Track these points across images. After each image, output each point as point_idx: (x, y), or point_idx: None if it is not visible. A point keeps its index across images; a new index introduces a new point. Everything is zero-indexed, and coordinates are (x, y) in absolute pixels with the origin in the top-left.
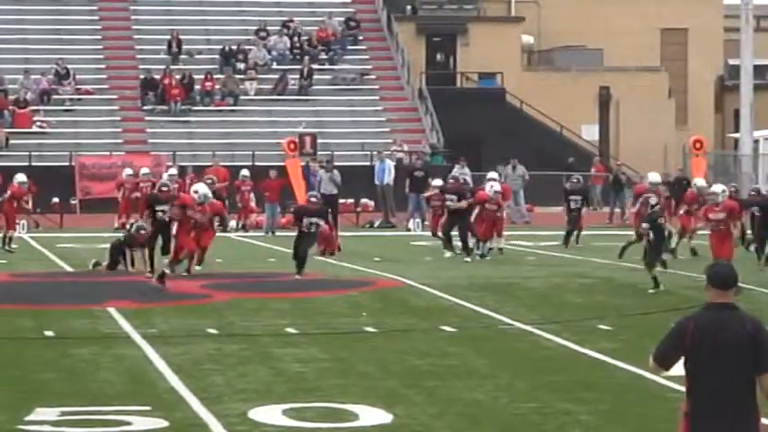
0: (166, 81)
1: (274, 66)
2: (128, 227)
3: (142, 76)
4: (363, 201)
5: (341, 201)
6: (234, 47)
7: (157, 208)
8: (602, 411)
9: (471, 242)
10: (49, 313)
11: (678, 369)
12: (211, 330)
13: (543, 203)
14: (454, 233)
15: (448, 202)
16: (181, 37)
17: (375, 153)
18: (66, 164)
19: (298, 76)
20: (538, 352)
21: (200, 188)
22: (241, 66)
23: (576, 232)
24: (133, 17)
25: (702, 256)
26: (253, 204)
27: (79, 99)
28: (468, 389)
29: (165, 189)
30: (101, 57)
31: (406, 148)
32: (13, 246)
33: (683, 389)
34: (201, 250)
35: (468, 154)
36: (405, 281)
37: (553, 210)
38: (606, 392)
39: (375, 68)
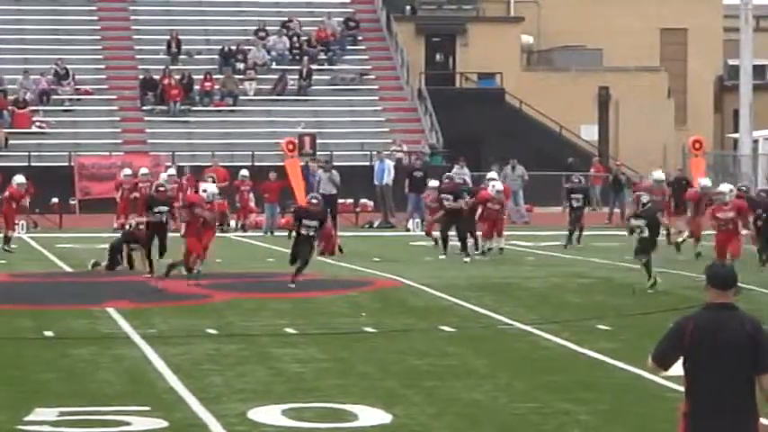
0: (166, 81)
1: (273, 66)
2: (127, 227)
3: (141, 77)
4: (363, 201)
5: (340, 201)
6: (233, 47)
7: (155, 209)
8: (602, 411)
9: (470, 242)
10: (48, 313)
11: (677, 369)
12: (210, 330)
13: (542, 203)
14: (451, 233)
15: (444, 202)
16: (180, 37)
17: (375, 153)
18: (66, 164)
19: (297, 77)
20: (537, 352)
21: (209, 186)
22: (240, 66)
23: (577, 232)
24: (132, 17)
25: (706, 256)
26: (252, 204)
27: (78, 99)
28: (467, 389)
29: (162, 189)
30: (100, 57)
31: (405, 148)
32: (13, 246)
33: (682, 389)
34: (203, 249)
35: (467, 154)
36: (404, 281)
37: (552, 210)
38: (605, 392)
39: (374, 69)
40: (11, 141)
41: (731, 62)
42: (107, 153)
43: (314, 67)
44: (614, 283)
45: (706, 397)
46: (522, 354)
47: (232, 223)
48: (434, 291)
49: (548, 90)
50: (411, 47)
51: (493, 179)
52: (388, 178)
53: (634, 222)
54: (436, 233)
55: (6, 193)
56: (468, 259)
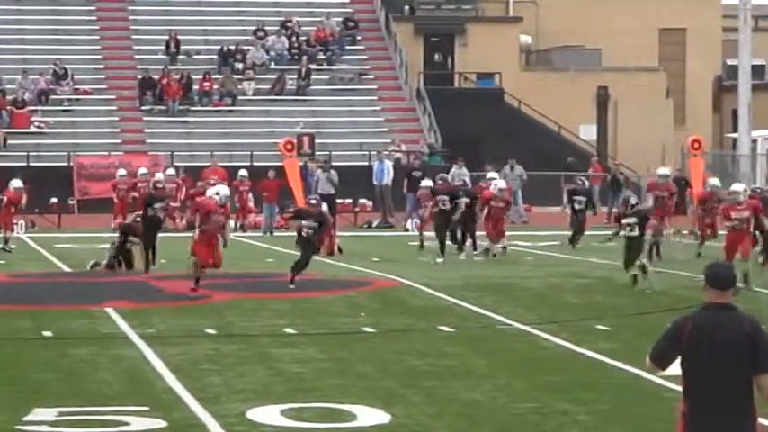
0: (164, 81)
1: (272, 66)
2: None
3: (140, 77)
4: (361, 201)
5: (339, 201)
6: (232, 47)
7: (156, 206)
8: (600, 411)
9: (468, 242)
10: (47, 313)
11: (675, 369)
12: (210, 330)
13: (541, 203)
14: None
15: (440, 205)
16: (179, 37)
17: (375, 153)
18: (65, 164)
19: (296, 77)
20: (536, 352)
21: (222, 189)
22: (239, 66)
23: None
24: (131, 17)
25: (706, 257)
26: (251, 205)
27: (77, 99)
28: (466, 389)
29: (160, 187)
30: (99, 57)
31: (404, 148)
32: (11, 246)
33: (680, 389)
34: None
35: (466, 154)
36: (403, 281)
37: (551, 210)
38: (604, 392)
39: (373, 68)
40: (9, 141)
41: (730, 62)
42: (106, 153)
43: (313, 66)
44: (613, 283)
45: (704, 397)
46: (521, 354)
47: (231, 223)
48: (433, 291)
49: (546, 90)
50: (410, 47)
51: (492, 178)
52: (388, 179)
53: (625, 221)
54: (428, 233)
55: (4, 199)
56: (463, 256)
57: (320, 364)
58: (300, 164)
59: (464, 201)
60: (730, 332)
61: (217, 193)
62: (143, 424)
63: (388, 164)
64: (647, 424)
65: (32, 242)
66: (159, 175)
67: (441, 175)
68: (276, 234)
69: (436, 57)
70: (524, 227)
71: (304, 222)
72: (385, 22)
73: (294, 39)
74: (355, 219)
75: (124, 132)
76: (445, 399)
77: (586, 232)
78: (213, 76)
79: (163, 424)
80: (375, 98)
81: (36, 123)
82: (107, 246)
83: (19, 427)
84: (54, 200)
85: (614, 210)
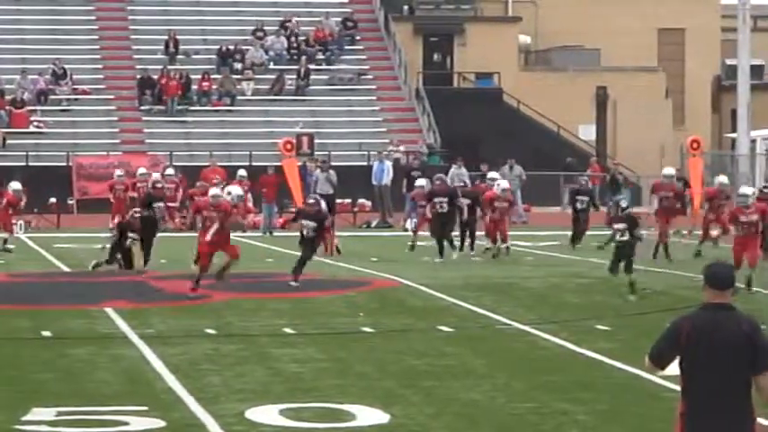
0: (163, 81)
1: (271, 66)
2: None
3: (139, 76)
4: (360, 201)
5: (338, 201)
6: (231, 47)
7: (154, 206)
8: (600, 411)
9: (467, 242)
10: (46, 313)
11: (674, 369)
12: (209, 330)
13: (540, 203)
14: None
15: (438, 207)
16: (178, 37)
17: (374, 153)
18: (64, 164)
19: (295, 77)
20: (535, 352)
21: (234, 189)
22: (238, 66)
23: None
24: (130, 17)
25: (705, 257)
26: (250, 205)
27: (76, 99)
28: (465, 389)
29: (159, 186)
30: (98, 57)
31: (402, 148)
32: (10, 246)
33: (679, 389)
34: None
35: (465, 154)
36: (402, 281)
37: (550, 210)
38: (603, 392)
39: (372, 68)
40: (8, 141)
41: (729, 62)
42: (105, 153)
43: (312, 66)
44: (613, 283)
45: (703, 397)
46: (521, 354)
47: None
48: (432, 291)
49: (545, 90)
50: (409, 47)
51: (494, 178)
52: (387, 179)
53: (616, 226)
54: (422, 232)
55: (3, 201)
56: (455, 256)
57: (319, 364)
58: (299, 164)
59: (465, 202)
60: (729, 332)
61: (229, 193)
62: (142, 424)
63: (388, 164)
64: (646, 424)
65: (31, 242)
66: (156, 176)
67: (438, 175)
68: (275, 234)
69: (435, 57)
70: (524, 227)
71: (304, 222)
72: (384, 22)
73: (293, 39)
74: (354, 219)
75: (123, 132)
76: (444, 399)
77: (587, 232)
78: (212, 76)
79: (162, 424)
80: (374, 98)
81: (35, 123)
82: (104, 245)
83: (17, 426)
84: (53, 200)
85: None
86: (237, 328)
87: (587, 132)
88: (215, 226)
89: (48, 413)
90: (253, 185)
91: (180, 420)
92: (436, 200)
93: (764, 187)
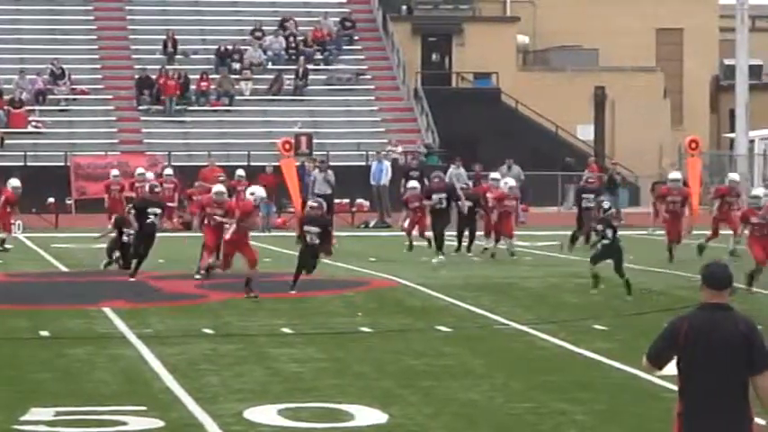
0: (162, 81)
1: (270, 66)
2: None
3: (137, 76)
4: (359, 201)
5: (336, 201)
6: (229, 47)
7: (149, 211)
8: (598, 411)
9: (485, 242)
10: (44, 313)
11: (672, 369)
12: (207, 330)
13: (539, 204)
14: (449, 232)
15: (435, 203)
16: (176, 37)
17: (373, 153)
18: (62, 164)
19: (293, 77)
20: (533, 352)
21: (257, 190)
22: (236, 66)
23: (583, 236)
24: (128, 17)
25: (706, 257)
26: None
27: (74, 99)
28: (463, 389)
29: (157, 191)
30: (96, 57)
31: (400, 148)
32: (8, 246)
33: (677, 389)
34: (217, 251)
35: (463, 154)
36: (400, 281)
37: (549, 210)
38: (602, 392)
39: (370, 68)
40: (7, 141)
41: (727, 62)
42: (103, 153)
43: (310, 66)
44: (611, 284)
45: (700, 397)
46: (519, 354)
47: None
48: (431, 291)
49: (544, 90)
50: (407, 47)
51: (495, 179)
52: (386, 179)
53: (598, 226)
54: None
55: (2, 198)
56: (442, 257)
57: (318, 364)
58: (297, 164)
59: (467, 204)
60: (726, 332)
61: (252, 194)
62: (140, 424)
63: (387, 164)
64: (644, 424)
65: (29, 242)
66: (150, 175)
67: (436, 172)
68: (274, 234)
69: (433, 56)
70: (522, 227)
71: (307, 228)
72: (382, 22)
73: (291, 39)
74: (352, 219)
75: (121, 132)
76: (442, 399)
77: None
78: (210, 76)
79: (160, 424)
80: (372, 98)
81: (33, 123)
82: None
83: (16, 426)
84: (51, 200)
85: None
86: (236, 327)
87: (585, 132)
88: (233, 226)
89: (46, 413)
90: (251, 185)
91: (178, 420)
92: (434, 196)
93: None
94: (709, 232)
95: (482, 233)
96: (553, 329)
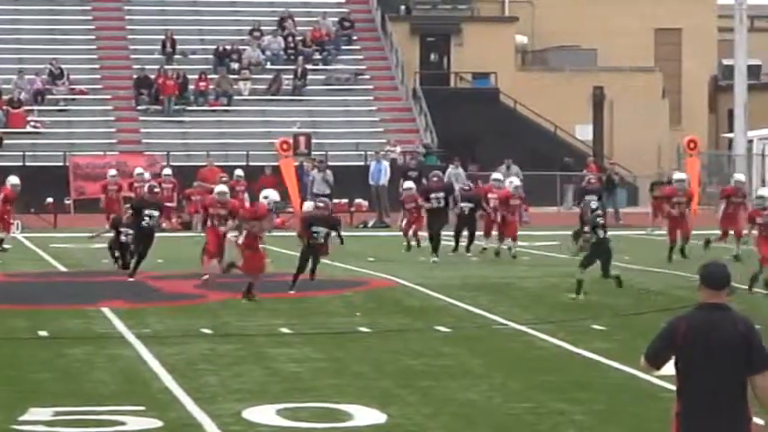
0: (160, 81)
1: (268, 66)
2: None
3: (136, 76)
4: (357, 201)
5: (335, 201)
6: (228, 47)
7: (146, 212)
8: (597, 411)
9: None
10: (42, 313)
11: (670, 369)
12: (206, 330)
13: (537, 204)
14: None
15: (433, 202)
16: (175, 37)
17: (372, 153)
18: (60, 164)
19: (292, 76)
20: (532, 352)
21: (271, 194)
22: (235, 66)
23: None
24: (127, 17)
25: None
26: (247, 204)
27: (73, 99)
28: (462, 389)
29: (156, 191)
30: (95, 57)
31: (398, 148)
32: (6, 246)
33: (675, 389)
34: (221, 253)
35: (462, 154)
36: (399, 281)
37: (547, 210)
38: (600, 392)
39: (369, 68)
40: (5, 141)
41: (726, 62)
42: (102, 153)
43: (309, 66)
44: (609, 283)
45: (698, 397)
46: (518, 354)
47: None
48: (429, 291)
49: (542, 90)
50: (406, 47)
51: (498, 179)
52: (385, 179)
53: (586, 236)
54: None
55: (1, 195)
56: (437, 259)
57: (316, 364)
58: (296, 164)
59: (468, 206)
60: (725, 332)
61: (266, 198)
62: (139, 424)
63: (386, 164)
64: (643, 424)
65: (28, 242)
66: (146, 175)
67: (435, 172)
68: (274, 233)
69: (432, 57)
70: (521, 227)
71: (315, 229)
72: (381, 22)
73: (290, 39)
74: (351, 219)
75: (120, 132)
76: (441, 399)
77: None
78: (209, 76)
79: (159, 424)
80: (371, 98)
81: (32, 123)
82: (93, 235)
83: (15, 426)
84: (50, 200)
85: (609, 209)
86: (234, 327)
87: (584, 132)
88: (243, 231)
89: (45, 413)
90: (250, 185)
91: (177, 420)
92: (432, 195)
93: None
94: (709, 232)
95: (481, 233)
96: (552, 329)
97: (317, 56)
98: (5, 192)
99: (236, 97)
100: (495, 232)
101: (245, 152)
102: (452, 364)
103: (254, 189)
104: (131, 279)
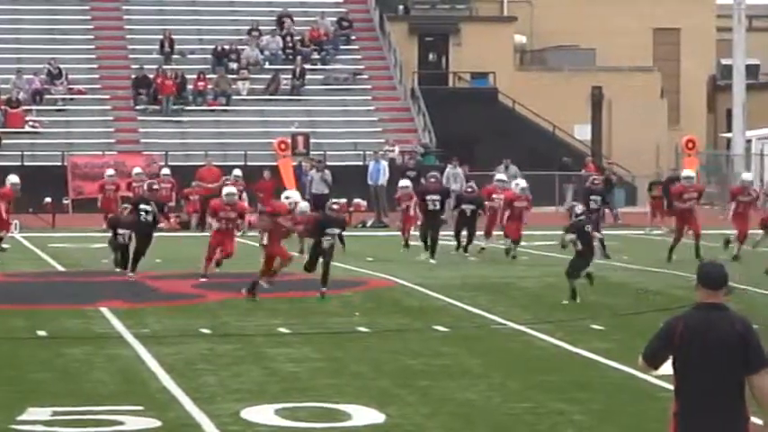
0: (159, 81)
1: (267, 65)
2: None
3: (134, 76)
4: (356, 200)
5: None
6: (226, 46)
7: (141, 207)
8: (595, 411)
9: (483, 242)
10: (41, 313)
11: (668, 368)
12: (204, 330)
13: (536, 203)
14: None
15: (430, 205)
16: (173, 37)
17: (370, 153)
18: (59, 164)
19: (290, 76)
20: (531, 352)
21: (293, 194)
22: (233, 65)
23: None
24: (125, 17)
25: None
26: (246, 204)
27: (72, 99)
28: (460, 389)
29: (155, 188)
30: (93, 57)
31: (397, 148)
32: (5, 245)
33: (673, 388)
34: (227, 253)
35: (460, 154)
36: (397, 281)
37: (546, 210)
38: (599, 392)
39: (367, 68)
40: (4, 141)
41: (724, 62)
42: (100, 153)
43: (307, 66)
44: (608, 283)
45: (696, 397)
46: (516, 354)
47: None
48: (428, 290)
49: (541, 90)
50: (404, 46)
51: (502, 180)
52: (384, 179)
53: (567, 237)
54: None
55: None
56: (433, 261)
57: (315, 364)
58: (294, 163)
59: (469, 207)
60: (722, 332)
61: (287, 197)
62: (138, 424)
63: (384, 164)
64: (641, 424)
65: (27, 242)
66: (138, 170)
67: (432, 173)
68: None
69: (430, 56)
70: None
71: (327, 231)
72: (379, 22)
73: (288, 38)
74: (350, 218)
75: (118, 132)
76: (440, 398)
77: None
78: (207, 76)
79: (157, 424)
80: (369, 98)
81: (30, 123)
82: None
83: (13, 426)
84: (48, 199)
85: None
86: (233, 327)
87: (582, 132)
88: (265, 234)
89: (43, 413)
90: (248, 185)
91: (175, 420)
92: (428, 197)
93: None
94: (710, 232)
95: (481, 233)
96: (550, 329)
97: (316, 56)
98: (4, 191)
99: (234, 97)
100: (498, 232)
101: (243, 152)
102: (451, 363)
103: (252, 191)
104: (131, 275)
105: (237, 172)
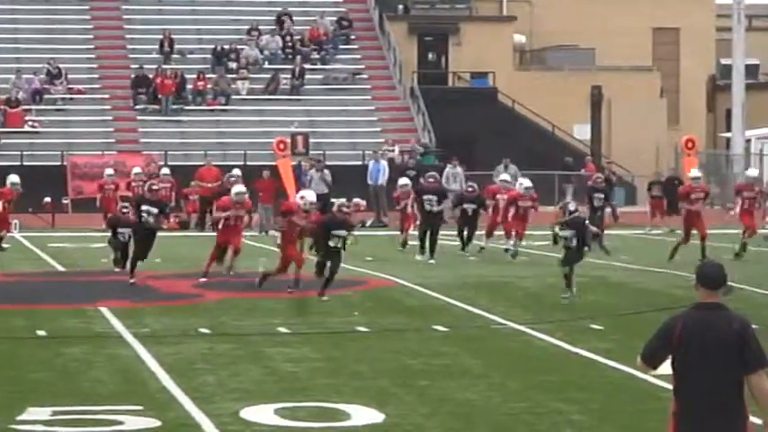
0: (158, 80)
1: (266, 65)
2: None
3: (134, 76)
4: (355, 200)
5: (333, 200)
6: (226, 46)
7: (143, 207)
8: (595, 411)
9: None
10: (41, 313)
11: (667, 368)
12: (203, 330)
13: None
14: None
15: (425, 204)
16: (173, 36)
17: (370, 153)
18: (58, 163)
19: (290, 76)
20: (530, 351)
21: (308, 194)
22: (233, 65)
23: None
24: (125, 17)
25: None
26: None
27: (71, 99)
28: (460, 388)
29: (155, 189)
30: (93, 56)
31: (396, 148)
32: (5, 245)
33: (672, 388)
34: (234, 251)
35: (460, 153)
36: (397, 280)
37: (545, 209)
38: (598, 392)
39: (367, 68)
40: (3, 141)
41: (724, 61)
42: (99, 152)
43: (307, 66)
44: (607, 283)
45: (695, 396)
46: (516, 353)
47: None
48: (428, 290)
49: (540, 89)
50: (404, 46)
51: (506, 180)
52: (383, 178)
53: (561, 233)
54: (413, 232)
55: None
56: (432, 261)
57: (314, 364)
58: (294, 163)
59: (471, 207)
60: (720, 332)
61: (302, 197)
62: (137, 423)
63: (384, 164)
64: (641, 424)
65: (26, 241)
66: (137, 170)
67: (431, 173)
68: (271, 234)
69: (430, 56)
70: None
71: (334, 233)
72: (379, 22)
73: (288, 38)
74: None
75: (118, 132)
76: (439, 398)
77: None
78: (207, 76)
79: (157, 423)
80: (369, 97)
81: (30, 123)
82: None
83: (13, 426)
84: (48, 199)
85: (606, 209)
86: (232, 327)
87: (582, 132)
88: (278, 234)
89: (43, 413)
90: (247, 185)
91: (175, 420)
92: (425, 197)
93: None
94: (709, 232)
95: (481, 233)
96: (550, 329)
97: (315, 55)
98: (4, 191)
99: (234, 97)
100: (498, 232)
101: (242, 152)
102: (451, 363)
103: (252, 189)
104: (132, 280)
105: (237, 171)
